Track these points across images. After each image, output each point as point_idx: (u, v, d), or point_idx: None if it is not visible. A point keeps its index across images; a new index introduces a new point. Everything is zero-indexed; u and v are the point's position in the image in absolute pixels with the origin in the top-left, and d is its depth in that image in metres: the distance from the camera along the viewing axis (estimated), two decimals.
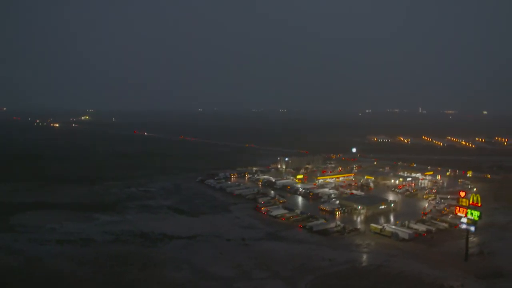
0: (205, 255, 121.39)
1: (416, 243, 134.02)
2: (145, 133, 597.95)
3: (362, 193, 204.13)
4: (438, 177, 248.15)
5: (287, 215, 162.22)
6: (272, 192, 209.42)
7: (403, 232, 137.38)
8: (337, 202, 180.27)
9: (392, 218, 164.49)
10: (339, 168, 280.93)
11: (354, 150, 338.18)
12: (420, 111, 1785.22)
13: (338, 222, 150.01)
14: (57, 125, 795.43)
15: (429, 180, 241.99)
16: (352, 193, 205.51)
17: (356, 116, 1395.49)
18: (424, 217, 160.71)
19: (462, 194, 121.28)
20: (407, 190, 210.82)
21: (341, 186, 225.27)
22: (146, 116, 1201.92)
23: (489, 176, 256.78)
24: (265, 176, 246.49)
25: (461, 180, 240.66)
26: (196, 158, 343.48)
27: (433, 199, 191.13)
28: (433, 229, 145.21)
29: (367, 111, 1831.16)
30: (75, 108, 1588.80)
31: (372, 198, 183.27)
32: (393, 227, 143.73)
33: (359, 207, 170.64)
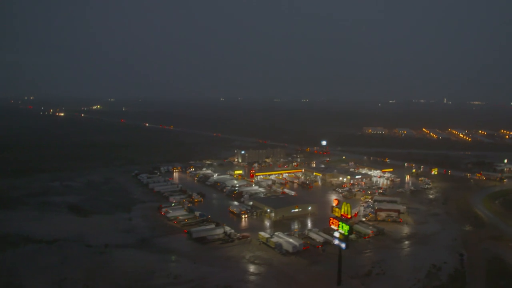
0: (40, 264, 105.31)
1: (299, 257, 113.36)
2: (147, 124, 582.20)
3: (292, 193, 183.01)
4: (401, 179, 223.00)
5: (181, 217, 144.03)
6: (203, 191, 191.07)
7: (288, 244, 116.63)
8: (251, 203, 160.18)
9: (308, 223, 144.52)
10: (294, 163, 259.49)
11: (324, 143, 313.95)
12: (445, 101, 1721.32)
13: (227, 228, 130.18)
14: (62, 114, 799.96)
15: (387, 178, 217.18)
16: (283, 192, 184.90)
17: (375, 106, 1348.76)
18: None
19: (335, 202, 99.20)
20: (348, 190, 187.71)
21: (281, 183, 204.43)
22: (166, 106, 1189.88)
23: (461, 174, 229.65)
24: (203, 171, 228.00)
25: (422, 178, 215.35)
26: (158, 149, 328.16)
27: (365, 202, 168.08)
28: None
29: (390, 101, 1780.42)
30: (98, 97, 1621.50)
31: (285, 200, 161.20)
32: (283, 236, 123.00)
33: (268, 210, 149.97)
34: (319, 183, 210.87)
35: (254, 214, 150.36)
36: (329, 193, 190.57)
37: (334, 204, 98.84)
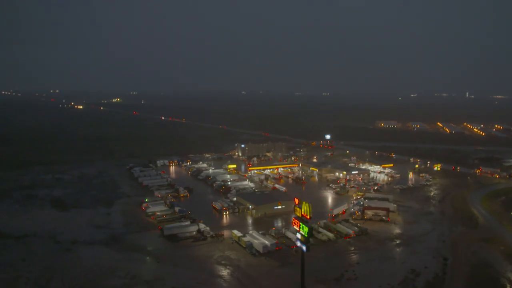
0: None
1: (269, 259, 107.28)
2: (162, 117, 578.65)
3: (283, 188, 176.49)
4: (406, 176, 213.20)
5: (159, 213, 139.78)
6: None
7: (260, 244, 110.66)
8: (235, 199, 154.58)
9: (288, 221, 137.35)
10: (293, 158, 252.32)
11: (328, 136, 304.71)
12: (467, 95, 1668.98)
13: (202, 226, 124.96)
14: (81, 107, 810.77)
15: (386, 174, 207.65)
16: (274, 188, 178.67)
17: (395, 100, 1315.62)
18: (319, 223, 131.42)
19: (296, 201, 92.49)
20: (342, 186, 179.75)
21: (275, 178, 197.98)
22: (186, 99, 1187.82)
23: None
24: (198, 165, 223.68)
25: (423, 174, 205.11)
26: (162, 142, 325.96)
27: (357, 199, 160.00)
28: (311, 240, 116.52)
29: (412, 95, 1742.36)
30: (121, 91, 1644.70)
31: (269, 197, 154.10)
32: (256, 236, 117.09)
33: (250, 207, 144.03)
34: (316, 178, 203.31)
35: (237, 211, 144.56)
36: (322, 189, 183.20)
37: (295, 203, 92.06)
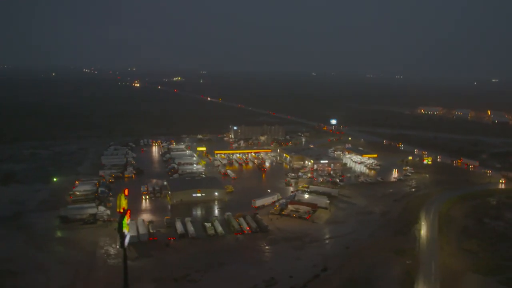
0: None
1: (132, 249, 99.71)
2: (202, 96, 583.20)
3: (233, 175, 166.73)
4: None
5: (78, 193, 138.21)
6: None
7: (132, 232, 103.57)
8: (165, 183, 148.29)
9: (213, 209, 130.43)
10: (271, 143, 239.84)
11: (333, 121, 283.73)
12: None
13: (102, 209, 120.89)
14: (138, 85, 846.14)
15: (366, 165, 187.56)
16: (225, 173, 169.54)
17: (470, 85, 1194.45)
18: (225, 216, 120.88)
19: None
20: (294, 176, 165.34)
21: (239, 163, 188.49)
22: (249, 79, 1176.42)
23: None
24: (177, 146, 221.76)
25: (406, 167, 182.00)
26: (174, 121, 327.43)
27: (297, 191, 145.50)
28: (194, 232, 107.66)
29: (493, 80, 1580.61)
30: (193, 69, 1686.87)
31: (192, 183, 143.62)
32: (135, 223, 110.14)
33: (169, 192, 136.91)
34: (288, 165, 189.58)
35: (159, 195, 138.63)
36: (278, 178, 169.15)
37: (125, 194, 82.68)
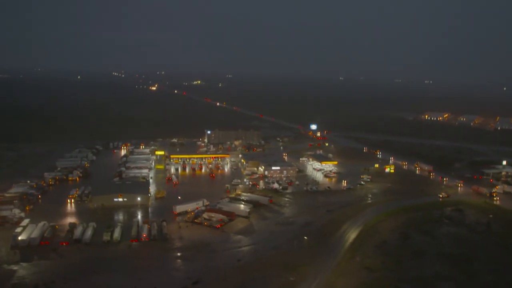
0: None
1: (17, 253, 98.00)
2: (213, 102, 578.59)
3: (175, 179, 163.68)
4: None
5: (7, 194, 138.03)
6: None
7: (25, 236, 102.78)
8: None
9: (136, 215, 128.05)
10: (228, 147, 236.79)
11: (313, 127, 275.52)
12: None
13: (17, 211, 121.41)
14: (154, 88, 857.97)
15: (323, 172, 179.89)
16: (169, 178, 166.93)
17: (498, 90, 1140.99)
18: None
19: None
20: (234, 183, 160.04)
21: (192, 168, 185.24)
22: (271, 83, 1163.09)
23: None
24: (140, 150, 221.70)
25: (363, 176, 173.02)
26: (161, 124, 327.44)
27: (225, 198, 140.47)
28: (88, 238, 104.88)
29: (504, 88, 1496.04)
30: (220, 73, 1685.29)
31: (112, 188, 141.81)
32: (32, 227, 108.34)
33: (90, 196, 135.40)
34: (244, 170, 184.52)
35: (85, 199, 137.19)
36: (224, 184, 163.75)
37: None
